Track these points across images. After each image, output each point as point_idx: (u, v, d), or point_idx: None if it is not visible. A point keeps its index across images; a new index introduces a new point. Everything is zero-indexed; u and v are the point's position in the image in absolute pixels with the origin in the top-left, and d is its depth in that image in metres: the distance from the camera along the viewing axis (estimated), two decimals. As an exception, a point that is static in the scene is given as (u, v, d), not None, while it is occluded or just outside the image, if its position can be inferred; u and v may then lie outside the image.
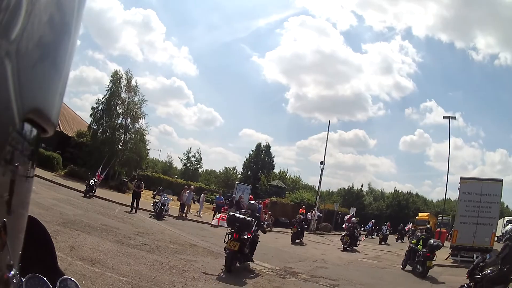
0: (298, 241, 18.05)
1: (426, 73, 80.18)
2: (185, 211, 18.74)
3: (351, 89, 76.92)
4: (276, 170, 47.91)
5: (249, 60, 76.80)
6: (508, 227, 8.21)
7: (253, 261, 9.28)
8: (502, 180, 17.56)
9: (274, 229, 21.20)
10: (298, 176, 50.42)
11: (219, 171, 53.25)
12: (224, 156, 75.84)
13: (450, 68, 79.44)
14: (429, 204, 59.57)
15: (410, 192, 55.83)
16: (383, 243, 25.50)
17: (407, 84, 79.07)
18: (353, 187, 49.43)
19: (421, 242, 13.17)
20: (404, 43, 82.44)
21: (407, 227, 30.46)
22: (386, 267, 13.79)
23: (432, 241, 12.85)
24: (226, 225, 10.13)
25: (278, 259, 11.21)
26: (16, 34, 0.40)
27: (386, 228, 30.38)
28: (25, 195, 0.53)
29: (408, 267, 13.04)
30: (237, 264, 8.67)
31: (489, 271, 7.78)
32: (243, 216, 8.99)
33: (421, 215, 45.28)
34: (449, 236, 26.01)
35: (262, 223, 11.46)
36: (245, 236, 8.75)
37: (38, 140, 0.53)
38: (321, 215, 28.06)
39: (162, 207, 15.96)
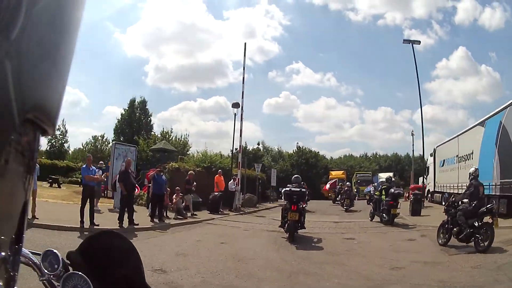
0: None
1: (293, 36, 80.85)
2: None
3: (211, 56, 77.36)
4: (156, 131, 42.41)
5: (111, 37, 72.15)
6: (471, 169, 9.60)
7: (305, 228, 10.68)
8: None
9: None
10: (186, 135, 42.45)
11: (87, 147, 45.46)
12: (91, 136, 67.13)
13: (322, 30, 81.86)
14: (334, 161, 61.31)
15: (315, 151, 54.86)
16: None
17: (271, 48, 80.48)
18: (246, 146, 41.97)
19: (383, 192, 14.11)
20: (270, 7, 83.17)
21: (338, 186, 30.84)
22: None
23: (393, 190, 13.90)
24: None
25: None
26: (16, 34, 0.42)
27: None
28: (25, 195, 0.55)
29: (376, 218, 14.32)
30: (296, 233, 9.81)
31: (461, 207, 8.96)
32: (298, 189, 10.38)
33: (335, 173, 45.67)
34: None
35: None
36: (302, 206, 10.10)
37: (39, 140, 0.55)
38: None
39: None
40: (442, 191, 22.38)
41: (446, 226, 9.32)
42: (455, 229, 8.97)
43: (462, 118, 77.67)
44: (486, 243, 8.16)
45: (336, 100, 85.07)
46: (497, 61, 73.83)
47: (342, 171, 46.33)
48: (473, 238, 8.52)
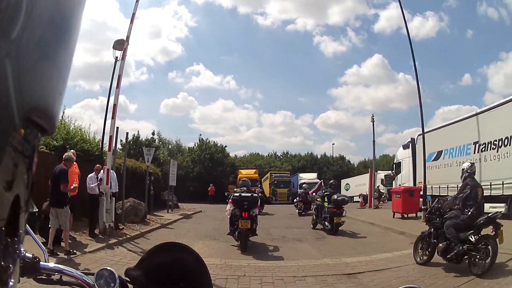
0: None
1: (198, 38, 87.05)
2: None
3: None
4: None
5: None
6: (465, 164, 7.89)
7: (257, 235, 10.45)
8: None
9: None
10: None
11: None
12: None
13: (228, 33, 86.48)
14: (239, 159, 57.82)
15: (221, 145, 49.63)
16: None
17: (175, 49, 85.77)
18: (139, 136, 36.17)
19: (326, 199, 13.42)
20: (179, 8, 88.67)
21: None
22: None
23: (336, 196, 13.33)
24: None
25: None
26: (16, 34, 0.44)
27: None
28: (26, 195, 0.57)
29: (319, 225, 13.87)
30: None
31: (450, 216, 7.40)
32: (249, 194, 10.09)
33: (245, 172, 41.11)
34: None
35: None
36: (253, 213, 9.97)
37: (39, 140, 0.57)
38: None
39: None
40: (433, 194, 17.54)
41: (428, 239, 7.79)
42: (440, 244, 7.38)
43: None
44: (485, 263, 6.52)
45: (234, 102, 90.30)
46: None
47: (254, 170, 42.31)
48: (466, 257, 6.93)
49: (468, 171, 7.60)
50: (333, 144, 71.07)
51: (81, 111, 69.21)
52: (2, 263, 0.54)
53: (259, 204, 10.59)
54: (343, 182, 49.63)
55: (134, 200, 14.37)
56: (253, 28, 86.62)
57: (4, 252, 0.54)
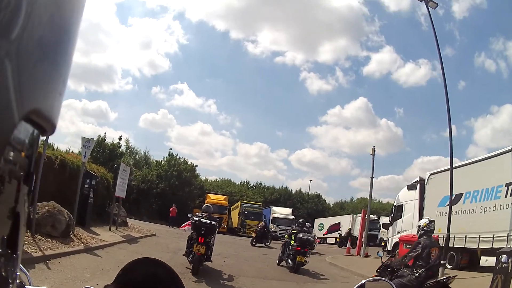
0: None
1: (186, 56, 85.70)
2: None
3: (105, 59, 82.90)
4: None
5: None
6: (423, 220, 7.67)
7: (211, 261, 10.84)
8: None
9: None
10: None
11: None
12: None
13: (216, 56, 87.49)
14: (210, 183, 54.58)
15: (191, 163, 46.54)
16: None
17: (162, 63, 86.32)
18: (105, 139, 34.36)
19: (293, 237, 13.41)
20: (173, 23, 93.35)
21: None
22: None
23: (301, 235, 13.19)
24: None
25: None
26: (16, 34, 0.44)
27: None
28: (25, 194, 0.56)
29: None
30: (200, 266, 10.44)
31: (401, 274, 7.14)
32: (208, 221, 10.40)
33: (215, 197, 37.61)
34: None
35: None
36: (210, 240, 10.43)
37: (38, 140, 0.57)
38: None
39: None
40: (455, 245, 14.63)
41: None
42: None
43: (345, 167, 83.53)
44: None
45: (212, 127, 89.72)
46: (403, 118, 77.88)
47: (224, 197, 38.91)
48: None
49: (425, 228, 7.37)
50: (311, 180, 70.14)
51: (63, 110, 66.62)
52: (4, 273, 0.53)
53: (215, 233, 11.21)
54: (317, 221, 47.65)
55: (54, 206, 10.52)
56: (242, 55, 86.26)
57: (7, 270, 0.53)
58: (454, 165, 16.00)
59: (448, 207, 15.43)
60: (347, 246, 24.08)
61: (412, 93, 77.77)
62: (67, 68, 0.56)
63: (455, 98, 76.06)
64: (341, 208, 58.91)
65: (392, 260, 7.73)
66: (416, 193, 19.34)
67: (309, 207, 54.46)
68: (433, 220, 7.56)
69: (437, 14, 74.86)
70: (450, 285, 6.69)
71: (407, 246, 13.61)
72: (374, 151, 22.57)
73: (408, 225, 18.70)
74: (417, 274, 6.78)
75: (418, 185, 19.36)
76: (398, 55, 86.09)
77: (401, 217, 20.15)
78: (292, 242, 13.47)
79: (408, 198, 20.06)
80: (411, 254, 7.14)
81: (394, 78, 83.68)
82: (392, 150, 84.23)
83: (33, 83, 0.48)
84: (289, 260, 13.34)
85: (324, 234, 40.60)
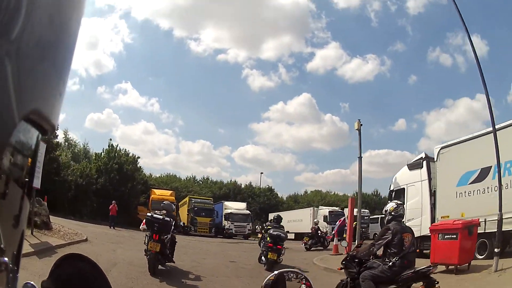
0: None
1: (131, 56, 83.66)
2: None
3: None
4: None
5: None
6: (389, 205, 6.95)
7: (174, 262, 10.68)
8: None
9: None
10: None
11: None
12: None
13: (159, 54, 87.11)
14: (154, 179, 50.84)
15: (133, 155, 41.15)
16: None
17: (107, 63, 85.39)
18: None
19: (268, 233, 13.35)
20: (119, 22, 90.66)
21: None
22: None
23: (272, 230, 12.80)
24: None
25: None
26: (16, 34, 0.45)
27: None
28: (25, 198, 0.57)
29: None
30: (160, 267, 10.25)
31: (370, 265, 6.44)
32: (161, 216, 10.16)
33: (160, 193, 34.55)
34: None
35: (179, 223, 14.32)
36: (165, 237, 10.02)
37: (38, 140, 0.58)
38: None
39: None
40: (484, 231, 11.86)
41: None
42: None
43: (289, 162, 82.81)
44: None
45: (155, 126, 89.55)
46: (349, 113, 76.35)
47: (170, 192, 36.21)
48: None
49: (392, 213, 6.68)
50: (262, 173, 68.90)
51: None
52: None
53: (171, 230, 10.55)
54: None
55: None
56: (185, 53, 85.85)
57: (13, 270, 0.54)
58: (474, 135, 13.94)
59: (472, 185, 13.59)
60: (334, 243, 19.71)
61: (358, 88, 79.68)
62: (67, 69, 0.56)
63: (405, 93, 78.33)
64: (295, 202, 58.34)
65: (358, 250, 6.99)
66: (422, 172, 16.06)
67: (261, 201, 52.87)
68: (402, 204, 7.10)
69: (389, 10, 76.51)
70: (431, 276, 6.03)
71: (446, 236, 11.10)
72: (361, 124, 18.44)
73: (415, 213, 15.51)
74: (391, 264, 6.15)
75: (425, 162, 16.09)
76: (344, 51, 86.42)
77: (403, 204, 16.17)
78: (268, 238, 13.41)
79: (412, 180, 16.63)
80: (380, 241, 6.53)
81: (339, 74, 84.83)
82: (337, 145, 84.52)
83: (33, 83, 0.48)
84: (263, 257, 13.23)
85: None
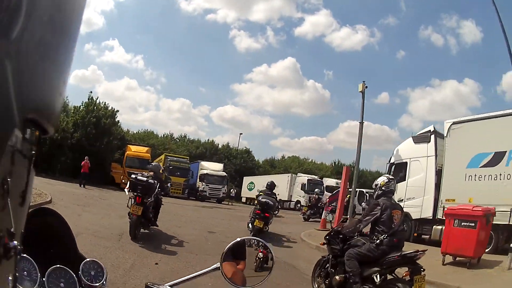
0: None
1: (121, 13, 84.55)
2: None
3: None
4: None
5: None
6: (380, 179, 6.48)
7: (157, 226, 10.68)
8: None
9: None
10: None
11: None
12: None
13: (149, 12, 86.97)
14: (131, 135, 49.29)
15: (112, 108, 38.62)
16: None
17: (97, 21, 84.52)
18: None
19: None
20: None
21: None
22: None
23: (261, 197, 12.31)
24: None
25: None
26: (16, 34, 0.45)
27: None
28: (26, 195, 0.57)
29: None
30: (142, 230, 10.05)
31: (355, 243, 6.16)
32: (145, 179, 9.86)
33: (136, 149, 33.76)
34: None
35: (167, 185, 14.14)
36: (149, 200, 9.80)
37: (39, 140, 0.58)
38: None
39: None
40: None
41: (327, 266, 6.64)
42: (337, 277, 6.19)
43: (267, 125, 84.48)
44: None
45: (138, 83, 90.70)
46: (332, 80, 77.64)
47: (146, 148, 34.90)
48: None
49: (383, 188, 6.30)
50: (241, 134, 69.75)
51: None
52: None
53: (155, 193, 10.17)
54: (246, 180, 43.88)
55: None
56: (174, 12, 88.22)
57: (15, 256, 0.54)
58: (482, 116, 12.59)
59: (483, 168, 12.29)
60: (322, 217, 18.31)
61: (344, 57, 79.64)
62: (67, 68, 0.56)
63: (392, 67, 77.43)
64: (272, 166, 58.53)
65: (343, 226, 6.70)
66: (429, 147, 14.44)
67: (237, 163, 52.87)
68: (393, 179, 6.61)
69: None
70: (418, 262, 5.63)
71: (463, 224, 9.59)
72: (366, 86, 16.50)
73: (417, 192, 14.28)
74: (378, 241, 5.85)
75: (433, 136, 14.48)
76: (334, 19, 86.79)
77: (404, 180, 14.80)
78: (257, 205, 13.38)
79: (416, 154, 14.92)
80: (367, 217, 6.17)
81: (327, 41, 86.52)
82: (317, 112, 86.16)
83: (33, 83, 0.48)
84: (249, 224, 12.86)
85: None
